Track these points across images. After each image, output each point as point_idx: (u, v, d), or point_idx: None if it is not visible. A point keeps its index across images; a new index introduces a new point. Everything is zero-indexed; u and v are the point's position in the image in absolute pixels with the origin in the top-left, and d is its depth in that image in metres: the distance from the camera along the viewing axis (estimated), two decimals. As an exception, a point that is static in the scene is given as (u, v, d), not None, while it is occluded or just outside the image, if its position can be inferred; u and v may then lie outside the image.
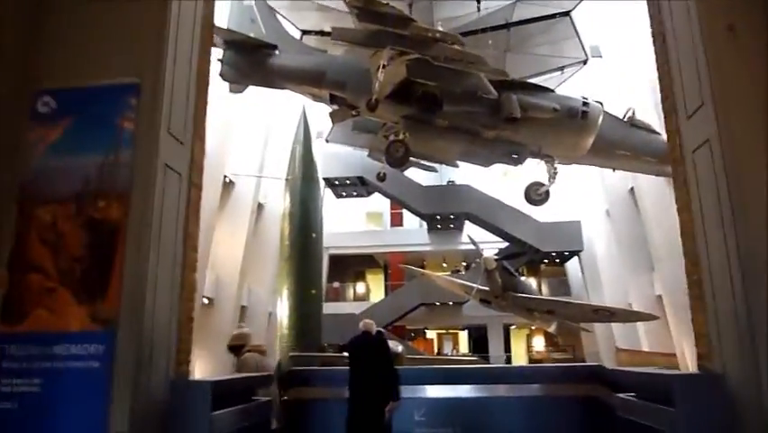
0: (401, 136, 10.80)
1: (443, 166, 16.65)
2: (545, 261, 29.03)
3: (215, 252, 17.88)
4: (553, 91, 11.09)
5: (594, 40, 19.18)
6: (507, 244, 26.37)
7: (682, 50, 3.23)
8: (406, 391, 6.25)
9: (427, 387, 6.94)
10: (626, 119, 10.86)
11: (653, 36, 3.68)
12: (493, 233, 26.01)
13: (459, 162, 13.60)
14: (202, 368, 17.73)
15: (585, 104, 10.39)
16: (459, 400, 6.98)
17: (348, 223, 32.27)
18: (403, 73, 9.65)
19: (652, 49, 3.62)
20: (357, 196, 28.30)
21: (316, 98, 11.46)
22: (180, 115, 3.60)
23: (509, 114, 10.08)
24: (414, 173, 24.09)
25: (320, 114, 14.40)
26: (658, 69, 3.61)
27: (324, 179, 24.78)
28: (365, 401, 5.98)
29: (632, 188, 19.52)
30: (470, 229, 26.11)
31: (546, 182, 11.20)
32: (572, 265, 29.55)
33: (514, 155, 10.73)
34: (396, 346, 6.33)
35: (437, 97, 10.21)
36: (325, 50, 11.86)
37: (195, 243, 3.65)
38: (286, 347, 16.04)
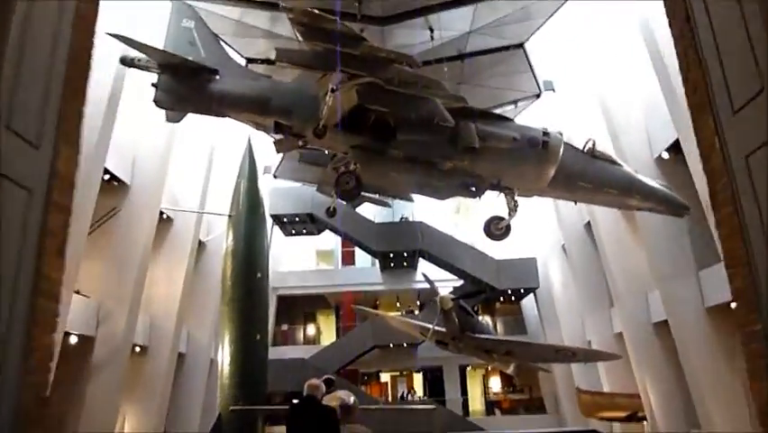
0: (351, 167, 10.04)
1: (396, 201, 15.96)
2: (501, 299, 28.49)
3: (150, 294, 16.38)
4: (512, 120, 10.58)
5: (547, 74, 19.16)
6: (461, 281, 25.73)
7: (722, 24, 2.45)
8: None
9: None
10: (586, 150, 10.44)
11: (670, 13, 2.90)
12: (448, 270, 25.34)
13: (413, 196, 12.89)
14: (133, 427, 15.99)
15: (546, 134, 9.91)
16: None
17: (297, 262, 31.10)
18: (354, 99, 8.90)
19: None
20: (307, 233, 27.23)
21: (259, 127, 10.57)
22: (34, 107, 2.45)
23: (468, 143, 9.47)
24: (366, 209, 23.37)
25: (267, 147, 13.50)
26: (680, 54, 2.80)
27: (272, 215, 23.70)
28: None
29: (588, 222, 19.22)
30: (424, 267, 25.37)
31: (506, 216, 10.58)
32: (528, 303, 29.13)
33: (472, 187, 10.06)
34: (348, 397, 5.31)
35: (390, 126, 9.50)
36: (270, 76, 11.05)
37: (55, 290, 2.47)
38: (227, 399, 14.74)
